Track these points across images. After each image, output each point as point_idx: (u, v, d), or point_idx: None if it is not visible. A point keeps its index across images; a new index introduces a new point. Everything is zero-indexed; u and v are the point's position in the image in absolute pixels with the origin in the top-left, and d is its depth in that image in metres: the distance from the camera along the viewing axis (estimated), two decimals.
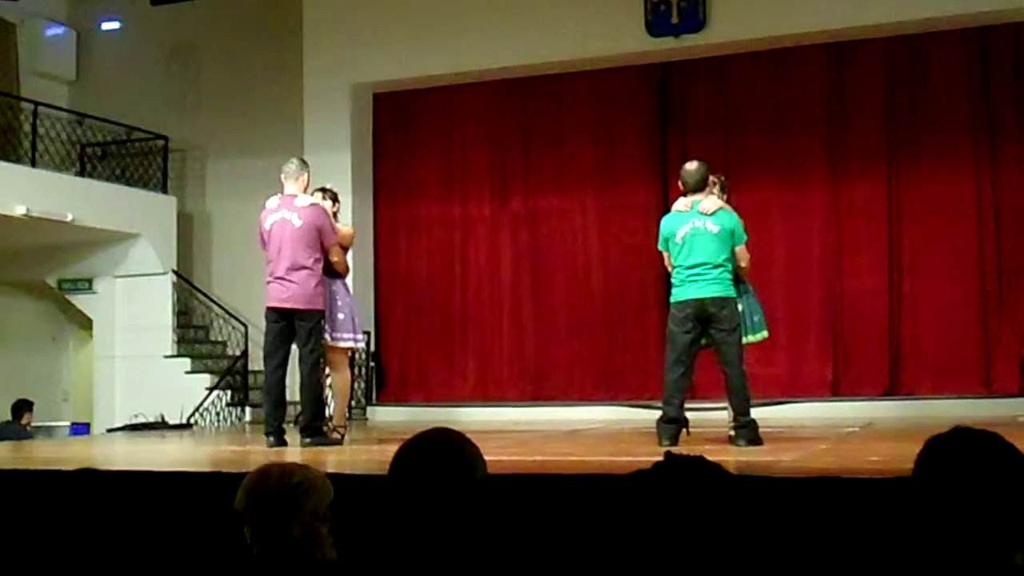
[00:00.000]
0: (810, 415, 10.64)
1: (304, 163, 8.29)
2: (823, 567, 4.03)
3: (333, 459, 7.15)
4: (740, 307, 7.41)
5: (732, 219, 7.36)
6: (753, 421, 7.14)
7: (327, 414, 8.38)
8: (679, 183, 7.56)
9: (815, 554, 4.11)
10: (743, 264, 7.42)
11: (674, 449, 2.36)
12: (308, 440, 7.83)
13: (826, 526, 4.30)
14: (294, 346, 8.06)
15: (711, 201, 7.37)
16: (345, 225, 8.83)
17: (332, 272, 8.18)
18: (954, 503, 2.06)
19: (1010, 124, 11.55)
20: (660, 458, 2.17)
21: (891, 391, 11.69)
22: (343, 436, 8.25)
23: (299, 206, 7.99)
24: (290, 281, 7.85)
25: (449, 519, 2.45)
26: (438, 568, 2.40)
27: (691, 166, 7.56)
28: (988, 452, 2.09)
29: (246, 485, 2.95)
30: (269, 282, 7.97)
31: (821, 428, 8.91)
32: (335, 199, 8.51)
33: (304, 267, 7.87)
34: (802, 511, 4.36)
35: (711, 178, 7.59)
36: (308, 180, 8.19)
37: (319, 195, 8.30)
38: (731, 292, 7.26)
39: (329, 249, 8.05)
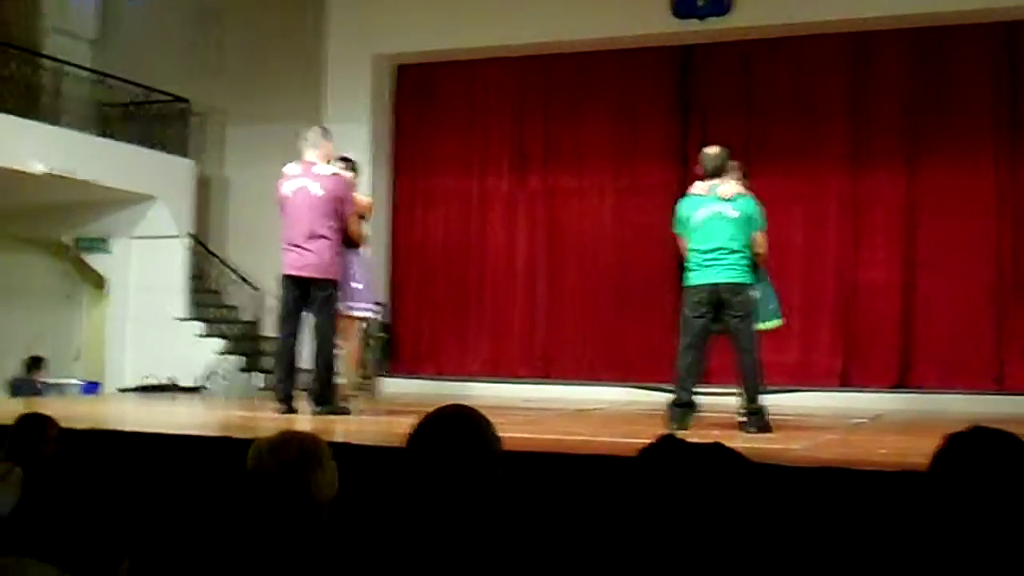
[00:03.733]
0: (819, 404, 10.60)
1: (327, 132, 8.26)
2: (829, 556, 4.04)
3: (342, 428, 7.17)
4: (756, 294, 7.39)
5: (751, 205, 7.32)
6: (764, 408, 7.14)
7: (338, 383, 8.40)
8: (699, 167, 7.54)
9: (821, 543, 4.13)
10: (760, 251, 7.37)
11: (679, 433, 2.37)
12: (318, 408, 7.87)
13: (834, 516, 4.31)
14: (308, 314, 8.08)
15: (730, 186, 7.33)
16: (363, 195, 8.82)
17: (348, 242, 8.18)
18: (973, 502, 2.05)
19: None
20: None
21: (900, 384, 11.66)
22: (353, 406, 8.27)
23: (320, 174, 7.97)
24: (307, 250, 7.85)
25: (468, 493, 2.46)
26: (454, 541, 2.41)
27: (711, 150, 7.52)
28: (1010, 453, 2.08)
29: (262, 448, 2.95)
30: (286, 249, 7.97)
31: (830, 418, 8.90)
32: (354, 169, 8.50)
33: (322, 236, 7.86)
34: (811, 500, 4.37)
35: (731, 163, 7.56)
36: (330, 150, 8.17)
37: (340, 164, 8.29)
38: (747, 278, 7.23)
39: (347, 219, 8.05)
